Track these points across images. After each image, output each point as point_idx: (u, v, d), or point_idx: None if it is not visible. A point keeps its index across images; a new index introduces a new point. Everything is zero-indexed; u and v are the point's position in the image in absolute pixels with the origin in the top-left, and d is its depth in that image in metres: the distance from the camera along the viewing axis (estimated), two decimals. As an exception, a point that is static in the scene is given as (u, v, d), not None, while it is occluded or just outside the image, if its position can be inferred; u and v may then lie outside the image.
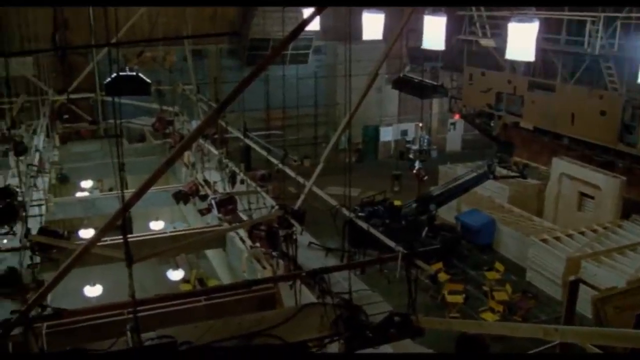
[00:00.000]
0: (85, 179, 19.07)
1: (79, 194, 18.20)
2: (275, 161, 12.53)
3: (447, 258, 20.19)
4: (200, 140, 14.45)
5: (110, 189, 20.04)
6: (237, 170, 13.39)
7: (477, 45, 28.15)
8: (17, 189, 11.69)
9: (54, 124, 19.87)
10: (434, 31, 25.16)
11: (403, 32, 14.21)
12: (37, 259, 9.36)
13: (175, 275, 14.85)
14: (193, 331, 7.51)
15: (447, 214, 24.37)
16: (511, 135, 27.29)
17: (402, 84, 22.74)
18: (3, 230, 10.39)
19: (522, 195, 24.83)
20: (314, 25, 26.15)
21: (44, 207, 12.87)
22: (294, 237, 9.29)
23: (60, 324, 8.42)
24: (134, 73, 12.97)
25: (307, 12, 25.91)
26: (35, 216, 11.58)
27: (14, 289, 8.63)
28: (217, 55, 30.45)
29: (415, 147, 24.57)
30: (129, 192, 6.79)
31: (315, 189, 10.47)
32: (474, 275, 20.51)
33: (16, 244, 9.89)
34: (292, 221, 9.44)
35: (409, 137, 33.70)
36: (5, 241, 10.27)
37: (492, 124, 28.31)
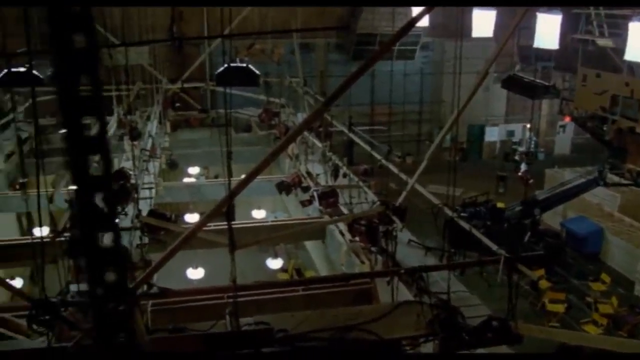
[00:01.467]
0: (193, 165, 19.71)
1: (186, 180, 18.85)
2: (378, 156, 12.50)
3: (549, 265, 19.51)
4: (305, 133, 14.62)
5: (216, 176, 20.64)
6: (340, 164, 13.46)
7: (593, 45, 26.96)
8: (131, 172, 12.27)
9: (166, 111, 20.66)
10: (548, 29, 24.34)
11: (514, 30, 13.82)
12: (146, 240, 9.76)
13: (274, 264, 15.11)
14: (289, 320, 7.62)
15: (552, 219, 23.54)
16: (625, 141, 26.00)
17: (511, 83, 22.07)
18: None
19: (635, 205, 23.59)
20: (423, 22, 25.84)
21: (154, 191, 13.40)
22: (394, 233, 9.25)
23: (164, 302, 8.76)
24: (244, 64, 13.25)
25: (416, 9, 25.66)
26: (145, 198, 12.09)
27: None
28: (324, 49, 30.70)
29: (521, 148, 23.91)
30: (235, 180, 6.96)
31: (418, 187, 10.39)
32: (577, 285, 19.72)
33: (127, 224, 10.37)
34: (393, 217, 9.40)
35: (516, 138, 32.76)
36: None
37: (604, 128, 27.05)
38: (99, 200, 1.64)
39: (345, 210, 12.00)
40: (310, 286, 9.41)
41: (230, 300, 7.92)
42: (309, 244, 16.46)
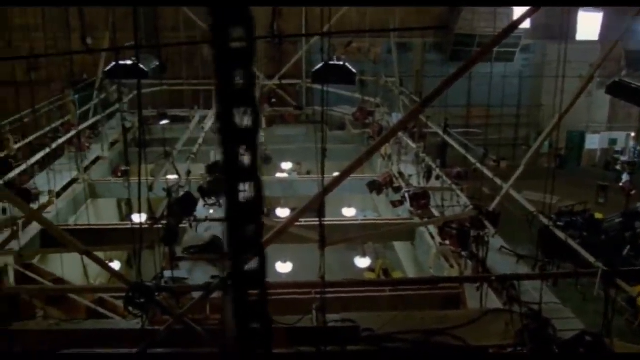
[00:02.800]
0: (286, 160, 20.01)
1: (278, 175, 19.16)
2: (473, 160, 12.29)
3: (650, 281, 18.58)
4: (399, 133, 14.55)
5: (308, 172, 20.85)
6: (433, 166, 13.33)
7: None
8: (227, 165, 12.57)
9: (262, 107, 21.04)
10: (660, 33, 23.16)
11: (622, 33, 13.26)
12: (238, 231, 9.97)
13: (362, 262, 15.13)
14: (375, 320, 7.62)
15: (654, 233, 22.40)
16: None
17: (617, 89, 21.08)
18: (211, 201, 11.26)
19: None
20: (524, 23, 25.19)
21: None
22: (486, 239, 9.07)
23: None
24: (341, 63, 13.31)
25: (518, 10, 25.00)
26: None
27: (217, 256, 9.29)
28: (421, 49, 30.43)
29: (624, 158, 22.87)
30: (327, 178, 7.01)
31: (513, 192, 10.14)
32: (680, 305, 18.69)
33: (222, 215, 10.64)
34: (486, 223, 9.23)
35: (618, 147, 31.39)
36: (212, 211, 11.10)
37: None
38: (246, 190, 1.72)
39: (436, 213, 11.87)
40: (398, 287, 9.37)
41: (318, 296, 8.00)
42: (397, 245, 16.38)
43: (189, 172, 11.86)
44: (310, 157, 20.03)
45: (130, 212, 17.06)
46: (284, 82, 22.83)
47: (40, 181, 14.14)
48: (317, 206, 7.68)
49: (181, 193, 10.33)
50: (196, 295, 8.17)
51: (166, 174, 12.27)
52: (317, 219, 7.95)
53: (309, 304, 8.44)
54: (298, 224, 8.70)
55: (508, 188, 9.95)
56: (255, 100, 1.73)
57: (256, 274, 1.76)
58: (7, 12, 24.68)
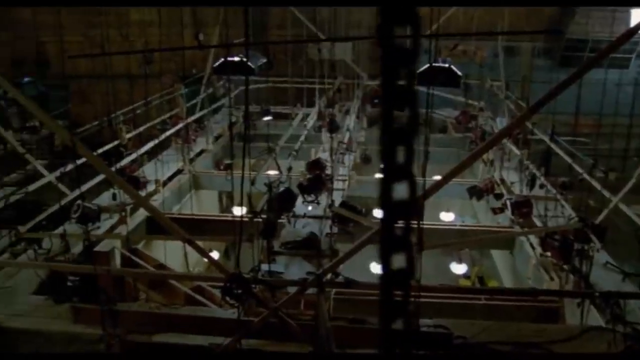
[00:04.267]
0: (385, 161, 19.92)
1: (377, 175, 19.08)
2: (580, 169, 11.84)
3: None
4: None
5: (406, 174, 20.70)
6: (537, 174, 12.94)
7: None
8: (327, 163, 12.70)
9: (364, 107, 21.07)
10: None
11: None
12: (335, 230, 10.06)
13: (458, 268, 14.89)
14: (468, 327, 7.50)
15: None
16: None
17: None
18: (310, 198, 11.40)
19: None
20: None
21: (346, 183, 13.76)
22: (590, 253, 8.72)
23: (347, 292, 8.99)
24: (446, 65, 13.14)
25: (637, 15, 23.85)
26: (338, 190, 12.45)
27: (312, 253, 9.40)
28: (530, 53, 29.55)
29: None
30: (427, 181, 6.96)
31: (621, 206, 9.70)
32: None
33: (319, 213, 10.76)
34: (591, 236, 8.87)
35: None
36: (310, 208, 11.23)
37: None
38: (402, 190, 1.74)
39: (538, 223, 11.52)
40: (494, 296, 9.17)
41: (412, 299, 7.93)
42: (495, 253, 16.03)
43: (289, 169, 12.04)
44: (409, 159, 19.94)
45: (231, 205, 17.53)
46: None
47: (148, 170, 14.79)
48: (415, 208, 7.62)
49: (281, 189, 10.53)
50: (291, 290, 8.30)
51: (267, 169, 12.54)
52: (414, 222, 7.90)
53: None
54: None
55: (617, 201, 9.53)
56: (416, 100, 1.76)
57: (404, 273, 1.78)
58: (125, 8, 25.88)
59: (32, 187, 12.65)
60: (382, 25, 1.72)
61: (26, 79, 17.86)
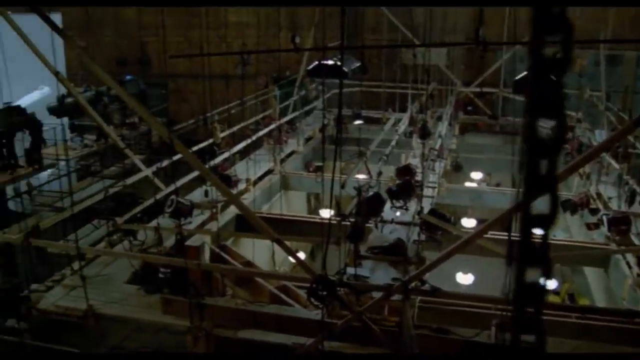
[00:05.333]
0: (476, 170, 19.59)
1: (467, 184, 18.81)
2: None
3: None
4: (601, 152, 13.70)
5: (497, 184, 20.27)
6: (638, 190, 12.37)
7: None
8: (417, 169, 12.59)
9: (457, 113, 20.77)
10: None
11: None
12: (422, 237, 9.95)
13: (547, 284, 14.42)
14: (557, 346, 7.28)
15: None
16: None
17: None
18: (398, 204, 11.34)
19: None
20: None
21: (436, 190, 13.60)
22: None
23: (433, 301, 8.87)
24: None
25: None
26: (427, 197, 12.32)
27: (399, 259, 9.33)
28: (633, 63, 28.27)
29: None
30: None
31: None
32: None
33: (407, 219, 10.69)
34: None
35: None
36: (398, 214, 11.17)
37: None
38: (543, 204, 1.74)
39: (636, 241, 11.02)
40: (586, 315, 8.81)
41: (500, 312, 7.76)
42: (587, 270, 15.43)
43: (379, 173, 12.02)
44: (501, 169, 19.55)
45: (319, 207, 17.66)
46: (480, 90, 22.35)
47: (240, 169, 15.11)
48: (507, 220, 7.46)
49: (370, 193, 10.52)
50: (376, 295, 8.28)
51: (357, 173, 12.55)
52: (505, 234, 7.71)
53: (488, 320, 8.21)
54: (486, 236, 8.51)
55: None
56: (563, 111, 1.72)
57: (536, 288, 1.75)
58: (223, 10, 26.54)
59: (129, 181, 13.18)
60: (534, 33, 1.68)
61: (128, 77, 18.60)
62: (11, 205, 14.42)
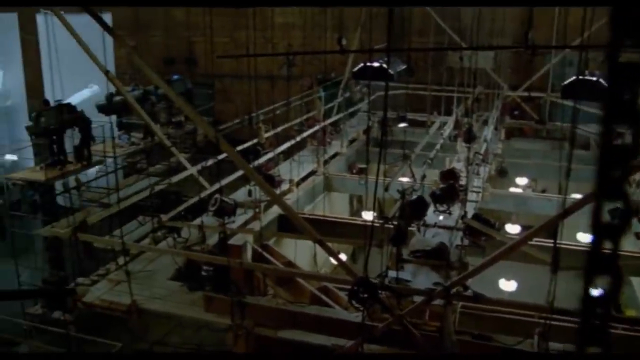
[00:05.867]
0: (522, 175, 19.27)
1: (512, 189, 18.53)
2: None
3: None
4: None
5: (543, 190, 19.92)
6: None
7: None
8: (461, 174, 12.47)
9: (503, 118, 20.50)
10: None
11: None
12: (466, 242, 9.85)
13: (594, 293, 14.10)
14: (602, 358, 7.07)
15: None
16: None
17: None
18: (442, 208, 11.24)
19: None
20: None
21: (480, 195, 13.43)
22: None
23: (474, 307, 8.77)
24: (595, 78, 12.50)
25: None
26: (471, 202, 12.17)
27: (441, 264, 9.25)
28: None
29: None
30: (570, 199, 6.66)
31: None
32: None
33: (450, 223, 10.58)
34: None
35: None
36: (441, 218, 11.07)
37: None
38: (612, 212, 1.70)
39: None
40: (634, 327, 8.60)
41: (542, 321, 7.63)
42: (635, 280, 15.06)
43: (423, 177, 11.94)
44: (547, 175, 19.19)
45: (361, 209, 17.62)
46: (527, 94, 22.01)
47: (283, 170, 15.17)
48: (552, 227, 7.34)
49: (414, 196, 10.46)
50: (417, 299, 8.22)
51: (401, 175, 12.49)
52: (550, 241, 7.58)
53: (531, 328, 8.08)
54: (531, 243, 8.38)
55: None
56: (638, 113, 1.69)
57: (605, 298, 1.72)
58: (269, 11, 26.70)
59: (175, 179, 13.35)
60: (612, 39, 1.64)
61: (175, 77, 18.85)
62: (60, 200, 14.74)
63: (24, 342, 12.82)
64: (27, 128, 13.82)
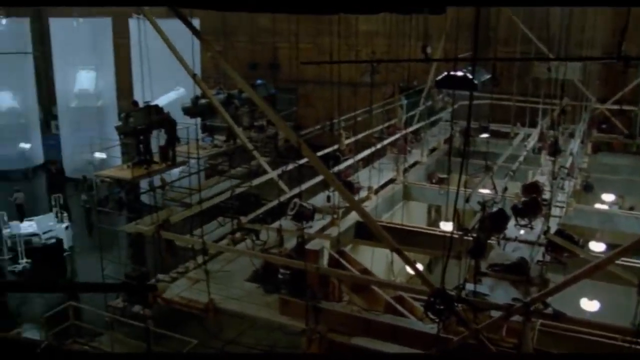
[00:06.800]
0: (608, 192, 18.62)
1: (598, 206, 17.94)
2: None
3: None
4: None
5: (631, 208, 19.15)
6: None
7: None
8: (544, 187, 12.14)
9: (590, 131, 19.85)
10: None
11: None
12: (547, 258, 9.58)
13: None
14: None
15: None
16: None
17: None
18: (523, 222, 10.97)
19: None
20: None
21: (564, 210, 13.05)
22: None
23: (554, 325, 8.52)
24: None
25: None
26: (554, 217, 11.83)
27: (521, 279, 9.03)
28: None
29: None
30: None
31: None
32: None
33: (531, 238, 10.32)
34: None
35: None
36: (522, 232, 10.81)
37: None
38: None
39: None
40: None
41: (627, 345, 7.36)
42: None
43: (505, 189, 11.70)
44: (636, 192, 18.43)
45: (439, 219, 17.42)
46: (617, 107, 21.21)
47: (362, 176, 15.18)
48: (641, 247, 7.05)
49: (495, 209, 10.25)
50: (495, 314, 8.05)
51: (482, 187, 12.27)
52: (638, 261, 7.30)
53: (613, 351, 7.79)
54: (617, 262, 8.07)
55: None
56: None
57: None
58: (353, 19, 26.79)
59: (255, 182, 13.57)
60: None
61: (259, 81, 19.17)
62: (144, 198, 15.22)
63: (105, 333, 13.32)
64: (117, 128, 14.31)
